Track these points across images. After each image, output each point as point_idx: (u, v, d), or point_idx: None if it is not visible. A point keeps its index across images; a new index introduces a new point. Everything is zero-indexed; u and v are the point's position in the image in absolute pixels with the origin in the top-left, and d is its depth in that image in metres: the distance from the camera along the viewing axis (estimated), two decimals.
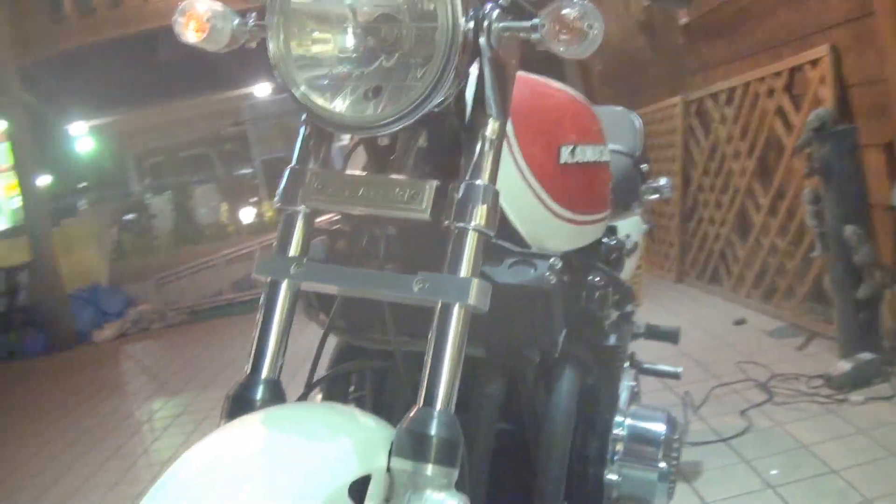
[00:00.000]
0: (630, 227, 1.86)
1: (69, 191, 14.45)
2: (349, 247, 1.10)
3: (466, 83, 0.97)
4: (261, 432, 0.84)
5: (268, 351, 1.00)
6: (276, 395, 0.99)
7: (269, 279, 1.01)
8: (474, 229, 0.92)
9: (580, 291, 1.23)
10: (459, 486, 0.90)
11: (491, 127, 0.95)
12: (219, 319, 6.64)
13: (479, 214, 0.92)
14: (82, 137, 15.80)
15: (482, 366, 1.23)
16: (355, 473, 0.82)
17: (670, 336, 2.15)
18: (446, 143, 1.01)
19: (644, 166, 2.05)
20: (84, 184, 16.28)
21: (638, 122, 2.21)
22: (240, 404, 0.97)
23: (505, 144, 1.07)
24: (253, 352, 1.00)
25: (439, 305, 0.91)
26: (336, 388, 1.38)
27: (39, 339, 6.40)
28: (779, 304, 3.26)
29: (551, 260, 1.06)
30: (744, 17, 3.45)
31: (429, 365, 0.90)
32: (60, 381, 5.33)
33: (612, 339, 1.30)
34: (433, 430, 0.87)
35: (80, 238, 7.64)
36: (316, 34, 0.96)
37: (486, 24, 0.91)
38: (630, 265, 1.80)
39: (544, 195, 1.12)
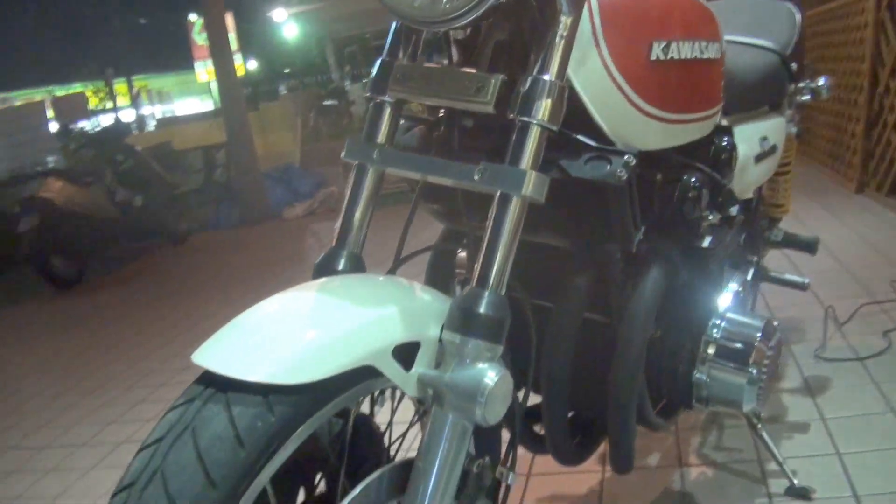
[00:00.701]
0: (769, 128, 1.79)
1: (273, 76, 15.22)
2: (431, 136, 1.16)
3: None
4: (324, 293, 0.94)
5: (352, 227, 1.10)
6: (357, 267, 1.09)
7: (356, 163, 1.10)
8: (537, 123, 0.95)
9: (671, 191, 1.23)
10: (505, 361, 0.97)
11: (563, 22, 0.96)
12: (403, 205, 6.91)
13: (543, 109, 0.95)
14: (286, 24, 16.48)
15: (571, 257, 1.27)
16: (402, 338, 0.91)
17: (807, 246, 2.07)
18: (525, 38, 1.03)
19: (794, 65, 1.93)
20: (287, 70, 17.06)
21: (796, 16, 2.07)
22: (323, 272, 1.08)
23: (591, 39, 1.08)
24: (339, 227, 1.10)
25: (498, 194, 0.96)
26: (439, 271, 1.46)
27: (234, 213, 6.95)
28: None
29: (626, 157, 1.07)
30: None
31: (483, 249, 0.96)
32: (250, 251, 5.80)
33: (707, 242, 1.29)
34: (482, 309, 0.93)
35: (277, 121, 8.12)
36: None
37: None
38: (762, 169, 1.74)
39: (630, 92, 1.11)
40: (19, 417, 3.27)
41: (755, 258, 1.83)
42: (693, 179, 1.23)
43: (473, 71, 1.01)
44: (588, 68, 1.08)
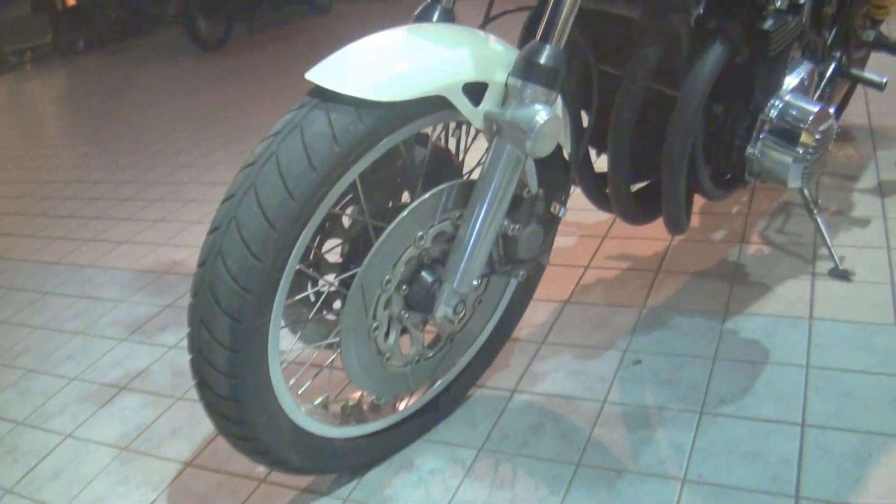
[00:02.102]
0: None
1: None
2: None
3: None
4: (413, 34, 1.15)
5: None
6: (448, 19, 1.30)
7: None
8: None
9: None
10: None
11: None
12: None
13: None
14: None
15: (641, 29, 1.42)
16: (471, 77, 1.12)
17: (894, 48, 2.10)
18: None
19: None
20: None
21: None
22: (419, 21, 1.29)
23: None
24: None
25: None
26: (532, 32, 1.63)
27: None
28: None
29: None
30: None
31: (548, 10, 1.14)
32: (390, 22, 5.98)
33: (769, 24, 1.39)
34: (542, 60, 1.13)
35: None
36: None
37: None
38: None
39: None
40: (167, 156, 3.73)
41: (839, 53, 1.89)
42: None
43: None
44: None
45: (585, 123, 1.56)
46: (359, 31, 1.21)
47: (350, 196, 1.24)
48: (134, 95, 5.55)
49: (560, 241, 2.18)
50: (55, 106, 6.16)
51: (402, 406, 1.47)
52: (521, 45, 1.46)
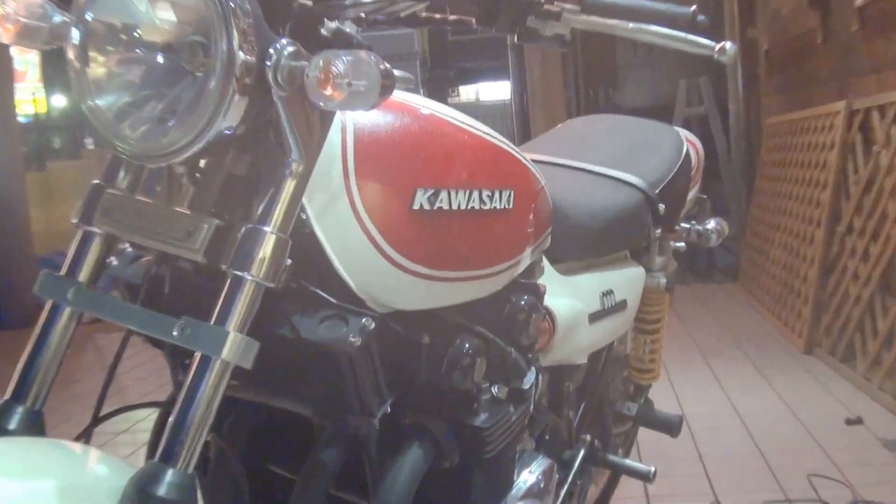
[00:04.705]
0: (617, 280, 2.05)
1: (82, 122, 15.28)
2: (145, 278, 1.35)
3: (275, 117, 1.20)
4: None
5: (35, 378, 1.28)
6: (34, 425, 1.27)
7: (49, 301, 1.30)
8: (251, 279, 1.16)
9: (440, 358, 1.45)
10: None
11: (289, 169, 1.19)
12: None
13: (258, 264, 1.16)
14: None
15: (322, 428, 1.48)
16: None
17: (666, 426, 2.33)
18: (253, 181, 1.25)
19: (662, 206, 2.16)
20: None
21: (684, 146, 2.32)
22: None
23: (342, 183, 1.31)
24: (17, 376, 1.28)
25: (199, 355, 1.16)
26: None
27: None
28: None
29: (364, 319, 1.28)
30: None
31: (173, 418, 1.15)
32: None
33: (482, 419, 1.50)
34: (161, 490, 1.11)
35: (66, 188, 8.07)
36: (115, 54, 1.22)
37: (274, 59, 1.16)
38: (603, 329, 1.98)
39: (384, 245, 1.33)
40: None
41: (587, 437, 2.05)
42: (466, 346, 1.45)
43: (187, 212, 1.22)
44: (335, 216, 1.30)
45: None
46: None
47: None
48: None
49: None
50: None
51: None
52: (151, 445, 1.47)
